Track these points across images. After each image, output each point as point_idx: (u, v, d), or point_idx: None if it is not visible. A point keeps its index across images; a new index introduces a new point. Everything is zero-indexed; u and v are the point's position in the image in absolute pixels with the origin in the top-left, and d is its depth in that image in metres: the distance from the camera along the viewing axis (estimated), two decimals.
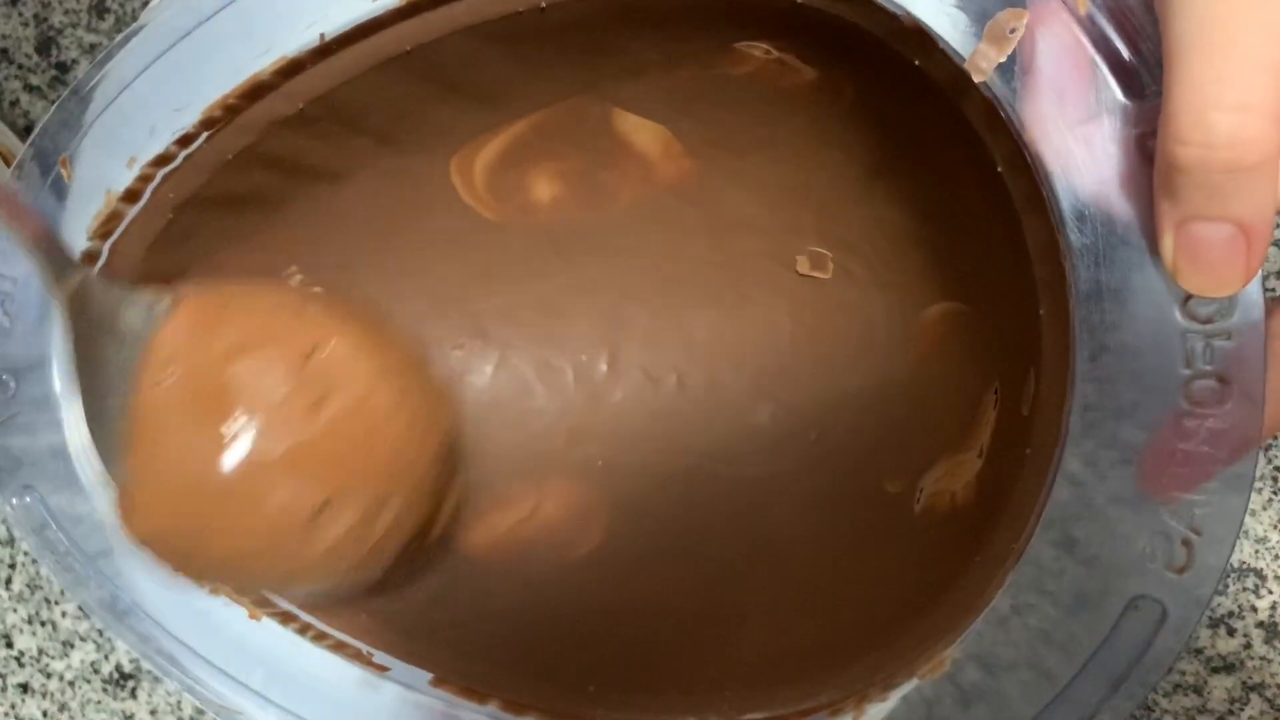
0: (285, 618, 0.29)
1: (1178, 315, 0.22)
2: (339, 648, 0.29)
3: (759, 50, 0.28)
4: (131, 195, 0.29)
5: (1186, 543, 0.22)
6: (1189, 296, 0.21)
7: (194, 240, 0.31)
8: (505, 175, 0.33)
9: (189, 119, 0.28)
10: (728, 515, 0.32)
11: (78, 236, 0.29)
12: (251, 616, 0.29)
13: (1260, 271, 0.21)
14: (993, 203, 0.24)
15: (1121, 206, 0.22)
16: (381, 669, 0.28)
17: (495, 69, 0.29)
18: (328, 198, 0.32)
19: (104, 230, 0.29)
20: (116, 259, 0.30)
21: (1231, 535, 0.22)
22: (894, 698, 0.24)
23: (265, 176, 0.31)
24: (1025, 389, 0.25)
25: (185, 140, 0.29)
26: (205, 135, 0.29)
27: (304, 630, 0.29)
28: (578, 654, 0.29)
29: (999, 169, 0.24)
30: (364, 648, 0.29)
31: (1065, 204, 0.22)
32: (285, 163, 0.31)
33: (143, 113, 0.29)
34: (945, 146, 0.26)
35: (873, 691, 0.24)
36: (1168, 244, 0.21)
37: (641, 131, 0.31)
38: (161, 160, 0.29)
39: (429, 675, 0.28)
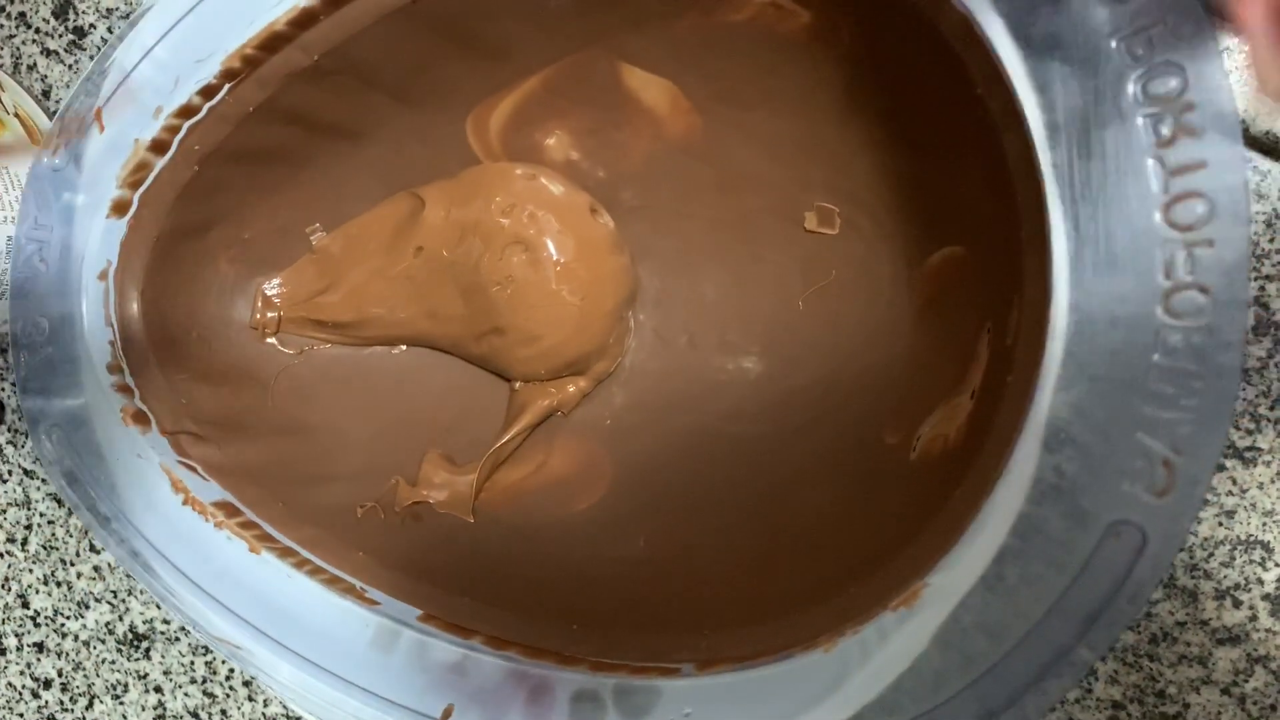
0: (284, 552, 0.30)
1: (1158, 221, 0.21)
2: (333, 582, 0.29)
3: None
4: (159, 146, 0.31)
5: (1167, 464, 0.21)
6: (1169, 203, 0.21)
7: (221, 194, 0.32)
8: (519, 133, 0.33)
9: (210, 70, 0.30)
10: (728, 472, 0.32)
11: (108, 186, 0.31)
12: (252, 550, 0.30)
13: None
14: (977, 129, 0.24)
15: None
16: (372, 603, 0.29)
17: (503, 22, 0.30)
18: (348, 155, 0.33)
19: (133, 180, 0.31)
20: (146, 210, 0.31)
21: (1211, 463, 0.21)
22: (868, 630, 0.23)
23: (287, 132, 0.32)
24: (1010, 319, 0.24)
25: (208, 92, 0.30)
26: (227, 87, 0.30)
27: (301, 565, 0.29)
28: (566, 595, 0.29)
29: (978, 90, 0.23)
30: (357, 583, 0.29)
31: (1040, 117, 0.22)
32: (305, 118, 0.32)
33: (167, 65, 0.30)
34: (931, 77, 0.25)
35: (846, 627, 0.24)
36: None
37: (650, 87, 0.32)
38: (186, 111, 0.30)
39: (417, 611, 0.28)
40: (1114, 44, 0.21)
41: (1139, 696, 0.30)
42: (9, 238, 0.33)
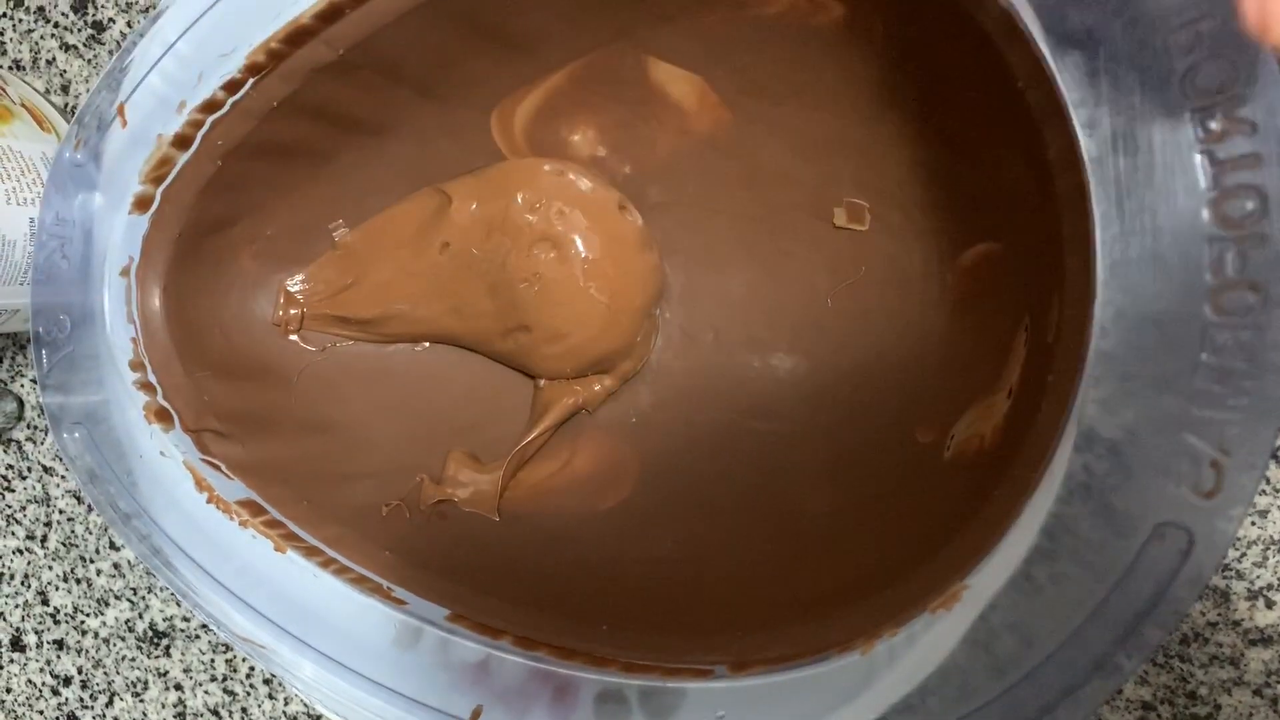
0: (309, 551, 0.29)
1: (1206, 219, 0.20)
2: (359, 581, 0.29)
3: None
4: (182, 141, 0.30)
5: (1215, 464, 0.20)
6: (1218, 199, 0.20)
7: (243, 190, 0.32)
8: (544, 128, 0.33)
9: (235, 65, 0.30)
10: (756, 470, 0.31)
11: (130, 181, 0.31)
12: (277, 549, 0.29)
13: None
14: (1016, 123, 0.23)
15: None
16: (399, 602, 0.28)
17: (529, 15, 0.30)
18: (372, 150, 0.33)
19: (156, 175, 0.31)
20: (168, 206, 0.31)
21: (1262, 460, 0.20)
22: (904, 632, 0.23)
23: (311, 127, 0.32)
24: (1050, 316, 0.24)
25: (232, 86, 0.30)
26: (251, 82, 0.30)
27: (327, 564, 0.29)
28: (594, 595, 0.29)
29: (1019, 84, 0.23)
30: (384, 582, 0.29)
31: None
32: (329, 113, 0.31)
33: (191, 59, 0.30)
34: (969, 72, 0.25)
35: (884, 628, 0.23)
36: None
37: (677, 81, 0.31)
38: (210, 106, 0.30)
39: (445, 610, 0.28)
40: (1162, 38, 0.21)
41: (1169, 697, 0.30)
42: (31, 219, 0.33)
